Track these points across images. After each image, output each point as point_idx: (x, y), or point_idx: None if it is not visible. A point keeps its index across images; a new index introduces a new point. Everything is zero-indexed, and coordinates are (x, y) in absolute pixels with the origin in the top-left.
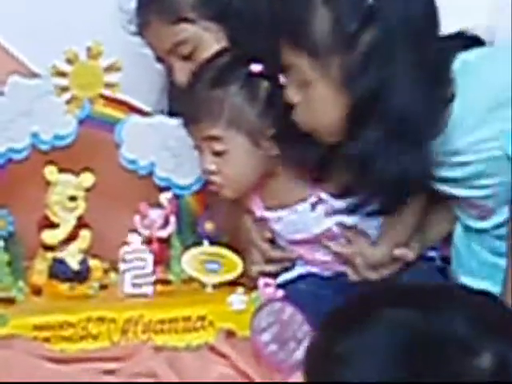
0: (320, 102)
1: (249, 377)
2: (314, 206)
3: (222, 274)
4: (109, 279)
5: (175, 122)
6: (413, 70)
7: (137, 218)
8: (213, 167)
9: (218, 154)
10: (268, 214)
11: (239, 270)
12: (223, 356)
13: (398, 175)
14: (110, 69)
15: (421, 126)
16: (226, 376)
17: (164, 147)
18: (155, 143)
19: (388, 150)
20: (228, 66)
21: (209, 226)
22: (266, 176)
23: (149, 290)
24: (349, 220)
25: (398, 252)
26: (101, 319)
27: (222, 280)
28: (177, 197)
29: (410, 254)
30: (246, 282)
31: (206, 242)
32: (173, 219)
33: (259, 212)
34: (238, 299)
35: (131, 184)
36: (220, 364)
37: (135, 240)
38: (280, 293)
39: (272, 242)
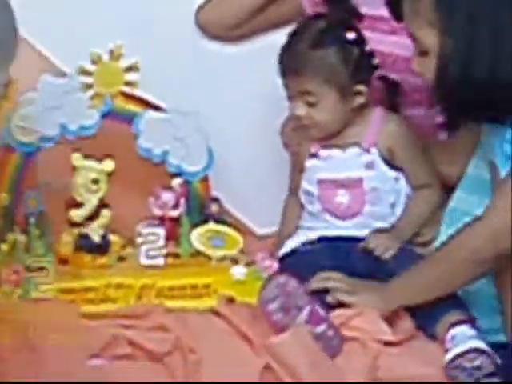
0: None
1: (244, 334)
2: (361, 153)
3: (225, 249)
4: (126, 252)
5: (187, 116)
6: None
7: (151, 199)
8: (304, 113)
9: (310, 104)
10: (322, 152)
11: (240, 245)
12: (223, 317)
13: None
14: (129, 69)
15: None
16: (226, 331)
17: (176, 138)
18: (168, 135)
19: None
20: (326, 30)
21: (214, 208)
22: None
23: (161, 261)
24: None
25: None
26: (119, 285)
27: (225, 254)
28: (187, 182)
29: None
30: (245, 257)
31: (211, 222)
32: (182, 201)
33: (314, 149)
34: (238, 271)
35: (147, 170)
36: (220, 323)
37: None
38: (275, 265)
39: None
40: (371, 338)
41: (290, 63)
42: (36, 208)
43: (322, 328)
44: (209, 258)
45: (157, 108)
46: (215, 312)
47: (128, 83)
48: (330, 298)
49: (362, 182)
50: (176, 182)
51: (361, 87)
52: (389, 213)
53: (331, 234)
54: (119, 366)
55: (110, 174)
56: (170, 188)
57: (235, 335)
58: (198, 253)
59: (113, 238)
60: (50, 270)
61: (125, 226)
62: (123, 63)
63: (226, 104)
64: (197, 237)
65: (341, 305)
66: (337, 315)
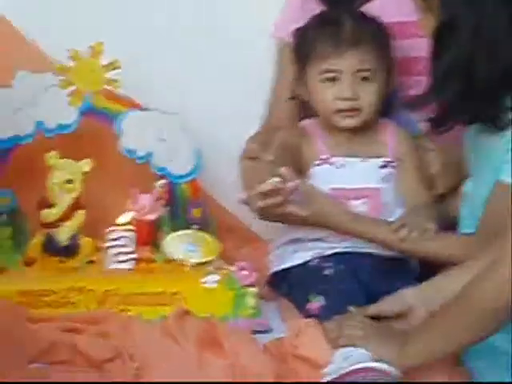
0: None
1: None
2: (382, 166)
3: (201, 255)
4: (97, 256)
5: (172, 116)
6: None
7: (129, 202)
8: (351, 94)
9: (365, 78)
10: (336, 160)
11: (217, 253)
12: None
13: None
14: (109, 66)
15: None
16: (168, 342)
17: (160, 139)
18: (152, 135)
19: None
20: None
21: (196, 213)
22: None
23: (130, 266)
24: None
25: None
26: (81, 289)
27: (200, 261)
28: (172, 185)
29: None
30: (222, 264)
31: (194, 227)
32: (161, 204)
33: (324, 155)
34: (211, 279)
35: (129, 171)
36: (163, 336)
37: (123, 219)
38: (255, 275)
39: None
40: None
41: (344, 37)
42: (8, 205)
43: None
44: (183, 264)
45: (140, 107)
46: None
47: (109, 81)
48: (342, 342)
49: (380, 194)
50: (159, 184)
51: (394, 76)
52: None
53: (346, 250)
54: (56, 371)
55: (87, 175)
56: (150, 191)
57: (171, 346)
58: (174, 259)
59: (84, 240)
60: (12, 271)
61: (100, 228)
62: (104, 61)
63: (213, 103)
64: (171, 242)
65: None
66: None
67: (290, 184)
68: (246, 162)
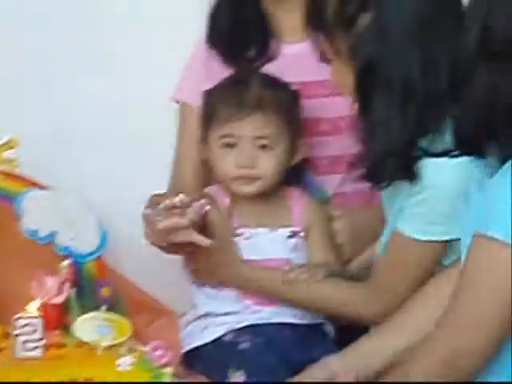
0: (338, 75)
1: None
2: (290, 236)
3: (112, 337)
4: (4, 344)
5: (73, 195)
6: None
7: (34, 286)
8: (248, 162)
9: (263, 146)
10: (243, 230)
11: (129, 333)
12: None
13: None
14: (6, 146)
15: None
16: None
17: (63, 218)
18: (54, 214)
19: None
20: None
21: (105, 292)
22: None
23: (39, 353)
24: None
25: None
26: None
27: (112, 343)
28: (77, 264)
29: None
30: (135, 345)
31: (102, 307)
32: (67, 286)
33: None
34: (125, 362)
35: (33, 253)
36: None
37: (31, 307)
38: (169, 354)
39: None
40: None
41: (245, 103)
42: None
43: None
44: (95, 347)
45: (40, 186)
46: None
47: (6, 161)
48: None
49: (290, 265)
50: (64, 265)
51: (302, 142)
52: None
53: (259, 322)
54: None
55: None
56: (56, 272)
57: None
58: (85, 342)
59: None
60: None
61: (7, 314)
62: None
63: (116, 179)
64: (81, 325)
65: None
66: None
67: (197, 203)
68: (148, 211)
